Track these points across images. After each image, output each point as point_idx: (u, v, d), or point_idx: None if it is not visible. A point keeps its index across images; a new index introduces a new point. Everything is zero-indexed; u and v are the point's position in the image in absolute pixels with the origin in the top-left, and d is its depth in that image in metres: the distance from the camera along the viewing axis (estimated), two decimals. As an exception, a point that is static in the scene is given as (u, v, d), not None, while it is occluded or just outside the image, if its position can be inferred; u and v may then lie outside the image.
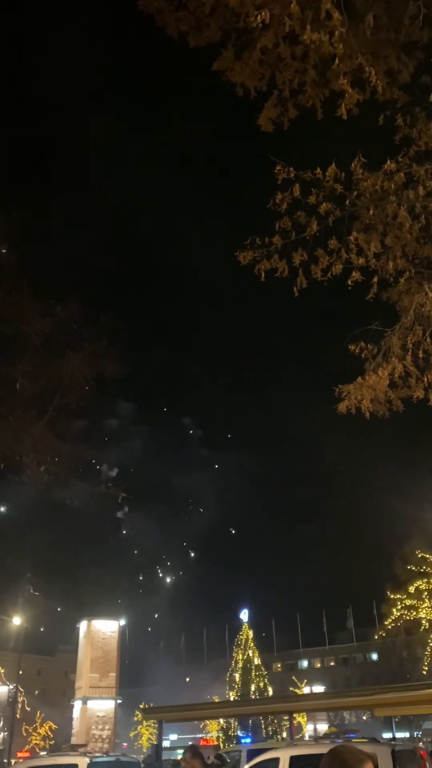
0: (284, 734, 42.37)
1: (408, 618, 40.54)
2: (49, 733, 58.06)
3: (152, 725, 50.17)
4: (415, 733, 43.51)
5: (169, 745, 49.45)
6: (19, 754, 42.74)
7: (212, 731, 51.29)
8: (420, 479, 40.83)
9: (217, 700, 47.16)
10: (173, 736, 56.25)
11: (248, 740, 30.55)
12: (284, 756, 12.72)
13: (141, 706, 44.46)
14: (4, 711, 52.10)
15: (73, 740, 34.85)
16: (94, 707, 37.64)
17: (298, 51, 6.68)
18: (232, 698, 46.70)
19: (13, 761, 40.03)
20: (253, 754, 16.39)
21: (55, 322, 14.75)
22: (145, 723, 55.21)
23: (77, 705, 38.65)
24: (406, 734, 41.69)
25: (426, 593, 39.42)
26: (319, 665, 79.07)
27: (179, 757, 24.01)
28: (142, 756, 34.58)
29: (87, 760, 15.65)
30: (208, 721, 51.14)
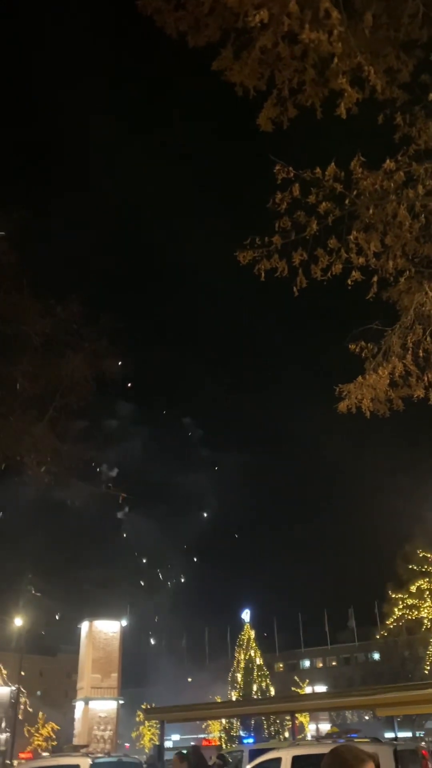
0: (286, 734, 42.34)
1: (409, 617, 40.51)
2: (52, 734, 58.07)
3: (154, 725, 50.15)
4: (418, 733, 43.47)
5: (171, 746, 49.47)
6: (21, 755, 42.76)
7: (214, 731, 51.27)
8: (421, 478, 40.83)
9: (219, 700, 47.16)
10: (175, 737, 56.24)
11: (250, 740, 30.56)
12: (286, 756, 12.72)
13: (143, 707, 44.50)
14: (6, 712, 52.10)
15: (75, 741, 34.86)
16: (96, 708, 37.65)
17: (297, 50, 6.67)
18: (234, 698, 46.68)
19: (15, 762, 40.05)
20: (255, 754, 16.40)
21: (55, 322, 14.73)
22: (147, 723, 55.19)
23: (79, 706, 38.66)
24: (409, 734, 41.65)
25: (427, 593, 39.38)
26: (321, 665, 79.08)
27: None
28: (144, 756, 34.55)
29: (89, 760, 15.65)
30: (210, 722, 51.11)
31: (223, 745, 38.40)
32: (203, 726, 54.58)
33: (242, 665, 49.13)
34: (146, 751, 50.52)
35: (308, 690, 58.87)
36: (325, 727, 50.70)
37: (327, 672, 74.65)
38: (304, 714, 45.55)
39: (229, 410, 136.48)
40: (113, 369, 15.96)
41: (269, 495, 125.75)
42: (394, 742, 13.62)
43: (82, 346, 15.12)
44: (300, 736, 39.69)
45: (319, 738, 26.08)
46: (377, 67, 6.78)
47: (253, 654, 49.61)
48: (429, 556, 39.72)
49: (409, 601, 40.00)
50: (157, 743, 28.98)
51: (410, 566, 40.42)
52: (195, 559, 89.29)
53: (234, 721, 44.90)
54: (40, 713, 59.73)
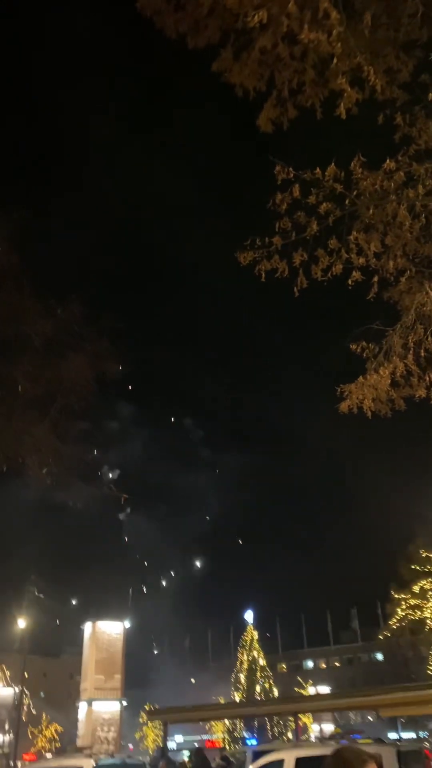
0: (290, 735, 42.29)
1: (413, 618, 40.46)
2: (55, 736, 58.08)
3: (158, 727, 50.15)
4: (421, 734, 43.40)
5: (175, 747, 49.45)
6: (25, 757, 42.79)
7: (218, 732, 51.25)
8: (423, 478, 40.76)
9: (222, 702, 47.15)
10: (179, 738, 56.23)
11: (254, 741, 30.55)
12: (289, 757, 12.71)
13: (146, 708, 44.52)
14: (9, 713, 52.12)
15: (79, 742, 34.89)
16: (100, 709, 37.70)
17: (296, 51, 6.67)
18: (237, 699, 46.67)
19: (18, 764, 40.08)
20: (258, 755, 16.38)
21: (56, 323, 14.70)
22: (150, 724, 55.18)
23: (82, 707, 38.71)
24: (412, 734, 41.60)
25: (430, 593, 39.34)
26: (324, 665, 78.99)
27: (185, 758, 23.99)
28: (148, 758, 34.56)
29: (92, 762, 15.69)
30: (213, 723, 51.10)
31: (227, 746, 38.38)
32: (206, 727, 54.55)
33: (245, 666, 49.11)
34: (150, 752, 50.52)
35: (311, 691, 58.84)
36: (329, 727, 50.61)
37: (330, 672, 74.56)
38: (307, 715, 45.54)
39: (229, 410, 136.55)
40: (114, 370, 15.94)
41: (271, 495, 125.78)
42: (398, 743, 13.62)
43: (82, 347, 15.08)
44: (303, 737, 39.68)
45: (322, 739, 26.05)
46: (377, 67, 6.77)
47: (256, 655, 49.59)
48: (432, 556, 39.69)
49: (412, 602, 39.94)
50: (161, 744, 28.97)
51: (413, 566, 40.36)
52: (197, 560, 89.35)
53: (237, 722, 44.90)
54: (44, 715, 59.74)
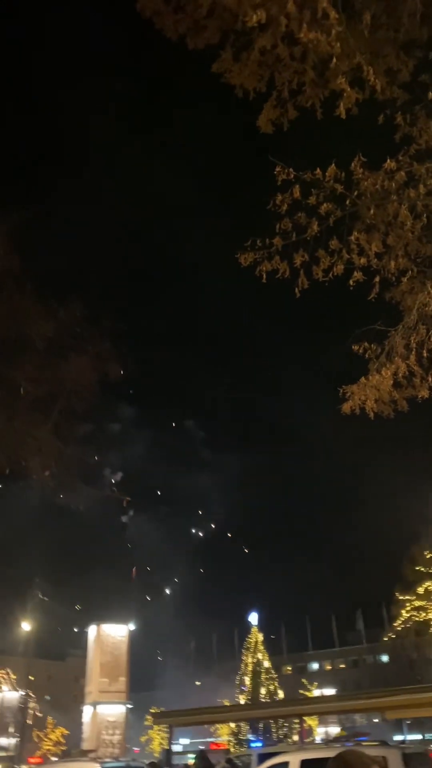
0: (295, 737, 42.19)
1: (418, 619, 40.36)
2: (61, 739, 58.03)
3: (163, 729, 50.05)
4: (427, 736, 43.24)
5: (181, 749, 49.35)
6: (31, 760, 42.73)
7: (223, 735, 51.14)
8: (427, 479, 40.64)
9: (227, 704, 47.04)
10: (184, 740, 56.13)
11: (259, 744, 30.46)
12: (294, 760, 12.64)
13: (152, 711, 44.45)
14: (15, 716, 52.13)
15: (84, 745, 34.85)
16: (105, 712, 37.65)
17: (296, 51, 6.66)
18: (242, 702, 46.55)
19: (24, 767, 40.06)
20: (263, 757, 16.32)
21: (57, 324, 14.70)
22: (156, 727, 55.10)
23: (87, 710, 38.64)
24: (418, 737, 41.45)
25: (435, 594, 39.27)
26: (329, 667, 78.86)
27: (190, 761, 23.94)
28: (155, 760, 34.47)
29: (97, 765, 15.68)
30: (218, 725, 51.01)
31: (232, 749, 38.30)
32: (212, 729, 54.46)
33: (250, 668, 49.00)
34: (155, 755, 50.44)
35: (317, 693, 58.70)
36: (334, 730, 50.49)
37: (335, 675, 74.43)
38: (312, 717, 45.43)
39: (231, 411, 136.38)
40: (116, 371, 15.94)
41: (274, 496, 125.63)
42: (403, 745, 13.56)
43: (84, 348, 15.09)
44: (309, 740, 39.58)
45: (327, 741, 25.97)
46: (377, 67, 6.76)
47: (260, 657, 49.48)
48: (436, 557, 39.59)
49: (417, 603, 39.85)
50: (167, 747, 28.91)
51: (417, 568, 40.27)
52: (201, 562, 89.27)
53: (242, 724, 44.78)
54: (49, 718, 59.72)
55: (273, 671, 50.31)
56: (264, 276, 7.88)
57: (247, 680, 48.53)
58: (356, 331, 8.99)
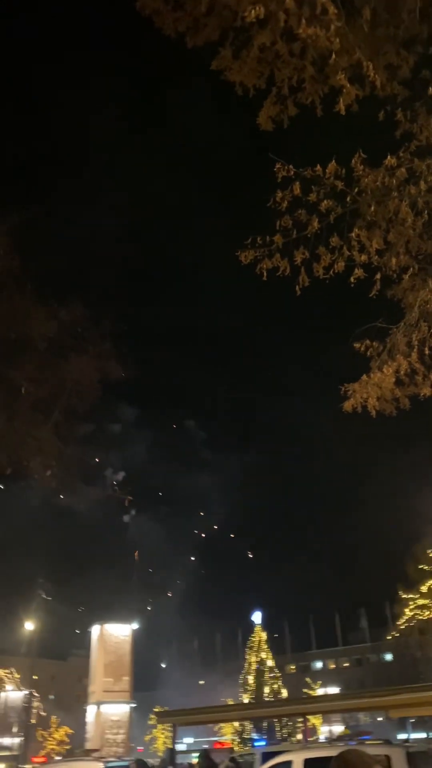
0: (299, 736, 42.17)
1: (421, 618, 40.33)
2: (65, 738, 58.08)
3: (167, 728, 50.07)
4: (431, 734, 43.22)
5: (185, 749, 49.36)
6: (35, 760, 42.76)
7: (227, 734, 51.15)
8: (429, 477, 40.57)
9: (230, 703, 47.03)
10: (188, 739, 56.15)
11: (262, 743, 30.42)
12: (297, 759, 12.62)
13: (155, 710, 44.46)
14: (19, 716, 52.16)
15: (88, 745, 34.88)
16: (108, 711, 37.67)
17: (296, 48, 6.64)
18: (245, 700, 46.54)
19: (28, 767, 40.08)
20: (267, 756, 16.29)
21: (59, 326, 14.70)
22: (160, 726, 55.11)
23: (91, 709, 38.66)
24: (423, 735, 41.42)
25: (438, 592, 39.22)
26: (333, 666, 78.81)
27: (194, 760, 23.92)
28: (158, 760, 34.48)
29: (101, 765, 15.69)
30: (222, 724, 51.00)
31: (235, 748, 38.29)
32: (215, 729, 54.46)
33: (253, 667, 48.99)
34: (159, 754, 50.49)
35: (320, 691, 58.69)
36: (338, 729, 50.45)
37: (339, 673, 74.37)
38: (316, 716, 45.40)
39: (230, 411, 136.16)
40: (117, 371, 15.93)
41: (276, 495, 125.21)
42: (406, 744, 13.53)
43: (85, 349, 15.09)
44: (312, 738, 39.56)
45: (331, 740, 25.95)
46: (377, 64, 6.73)
47: (264, 656, 49.47)
48: (439, 556, 39.52)
49: (420, 602, 39.81)
50: (170, 746, 28.91)
51: (420, 566, 40.22)
52: (204, 561, 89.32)
53: (246, 723, 44.76)
54: (53, 717, 59.75)
55: (276, 670, 50.29)
56: (264, 274, 7.85)
57: (251, 679, 48.52)
58: (357, 328, 8.97)
